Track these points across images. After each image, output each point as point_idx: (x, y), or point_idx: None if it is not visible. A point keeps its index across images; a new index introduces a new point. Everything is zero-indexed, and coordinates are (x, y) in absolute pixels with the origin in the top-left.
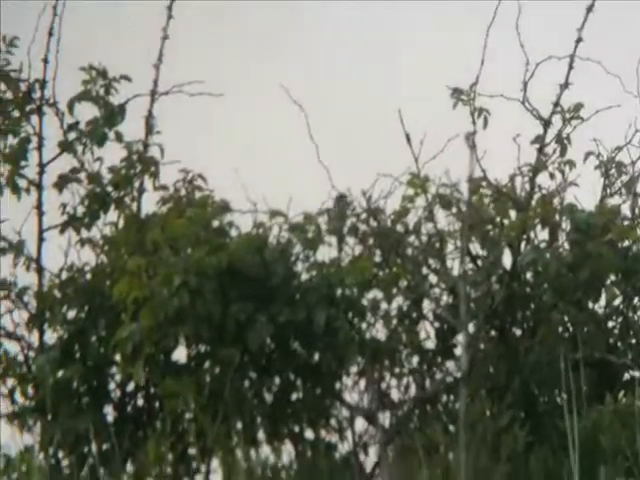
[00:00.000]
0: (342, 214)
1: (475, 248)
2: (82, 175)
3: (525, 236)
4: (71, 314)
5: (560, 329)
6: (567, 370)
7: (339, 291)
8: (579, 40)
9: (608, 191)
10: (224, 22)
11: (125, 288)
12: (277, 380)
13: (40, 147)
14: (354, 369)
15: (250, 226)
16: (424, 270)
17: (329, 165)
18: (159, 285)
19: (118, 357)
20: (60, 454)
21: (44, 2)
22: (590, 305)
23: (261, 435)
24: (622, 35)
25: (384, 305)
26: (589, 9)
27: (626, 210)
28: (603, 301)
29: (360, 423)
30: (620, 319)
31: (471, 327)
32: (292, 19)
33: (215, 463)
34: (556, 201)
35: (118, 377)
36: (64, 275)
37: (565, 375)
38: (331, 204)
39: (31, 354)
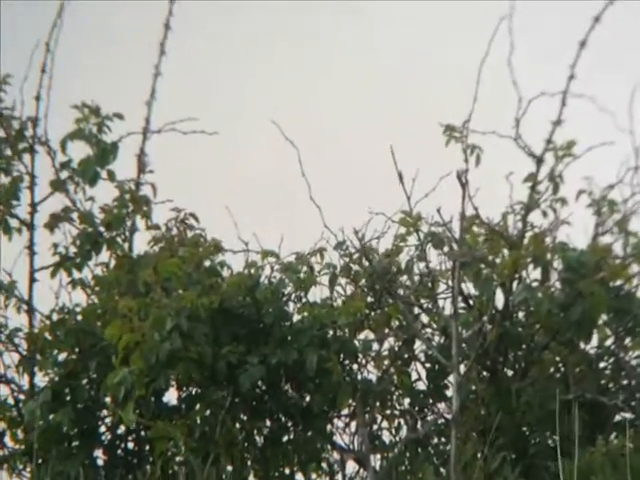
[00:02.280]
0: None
1: (467, 287)
2: (74, 215)
3: (517, 275)
4: (62, 356)
5: (552, 370)
6: (559, 411)
7: (331, 332)
8: (572, 77)
9: (600, 229)
10: (216, 59)
11: (116, 331)
12: (268, 422)
13: (32, 186)
14: (345, 411)
15: (242, 266)
16: (416, 310)
17: (321, 203)
18: (150, 328)
19: (109, 399)
20: None
21: (37, 39)
22: (582, 345)
23: (252, 478)
24: (615, 72)
25: (375, 346)
26: (582, 45)
27: (618, 249)
28: (595, 341)
29: (351, 466)
30: (612, 360)
31: (462, 368)
32: (284, 55)
33: None
34: (548, 239)
35: (109, 420)
36: (55, 317)
37: (557, 416)
38: (323, 244)
39: (21, 397)
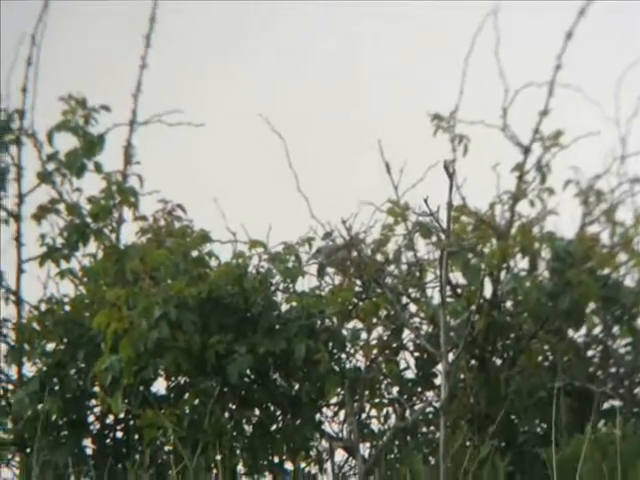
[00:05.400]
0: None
1: (455, 277)
2: (61, 206)
3: (505, 264)
4: (50, 346)
5: (540, 358)
6: (547, 399)
7: (319, 322)
8: (558, 67)
9: (587, 219)
10: (202, 51)
11: (104, 320)
12: (257, 411)
13: (19, 178)
14: (334, 400)
15: (230, 256)
16: (404, 299)
17: (309, 194)
18: (139, 317)
19: (97, 389)
20: None
21: (22, 31)
22: (570, 334)
23: (241, 467)
24: (601, 61)
25: (364, 335)
26: (568, 35)
27: (605, 238)
28: (583, 330)
29: (340, 454)
30: (600, 348)
31: (451, 356)
32: (269, 47)
33: None
34: (536, 229)
35: (97, 409)
36: (43, 307)
37: (545, 404)
38: (311, 234)
39: (10, 387)
